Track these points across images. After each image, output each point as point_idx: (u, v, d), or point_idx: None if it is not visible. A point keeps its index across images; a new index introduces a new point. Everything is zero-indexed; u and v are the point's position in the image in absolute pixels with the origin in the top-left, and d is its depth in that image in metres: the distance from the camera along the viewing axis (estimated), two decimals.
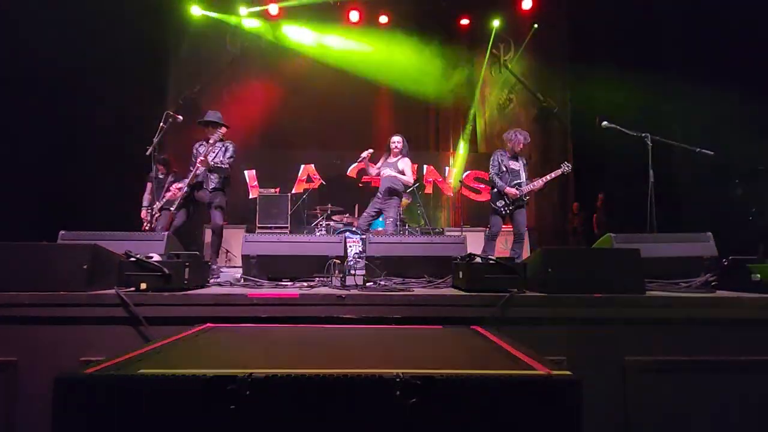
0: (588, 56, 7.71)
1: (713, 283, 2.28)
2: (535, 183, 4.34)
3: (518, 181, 4.33)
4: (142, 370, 1.03)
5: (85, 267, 1.89)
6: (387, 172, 4.57)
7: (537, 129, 8.55)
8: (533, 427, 0.98)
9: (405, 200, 6.36)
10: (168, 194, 4.72)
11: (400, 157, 4.65)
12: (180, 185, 4.21)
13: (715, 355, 1.90)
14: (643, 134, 3.38)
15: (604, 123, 3.68)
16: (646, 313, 1.93)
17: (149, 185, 5.03)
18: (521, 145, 4.40)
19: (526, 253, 6.04)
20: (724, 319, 1.94)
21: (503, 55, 8.64)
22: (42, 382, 1.68)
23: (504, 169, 4.36)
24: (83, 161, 5.70)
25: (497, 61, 8.67)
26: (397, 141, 4.67)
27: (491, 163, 4.44)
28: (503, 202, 4.32)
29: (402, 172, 4.56)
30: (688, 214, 5.60)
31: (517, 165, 4.40)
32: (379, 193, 4.71)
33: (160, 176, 4.97)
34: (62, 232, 2.61)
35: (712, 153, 3.21)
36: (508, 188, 4.28)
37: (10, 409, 1.72)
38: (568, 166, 4.42)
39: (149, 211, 4.81)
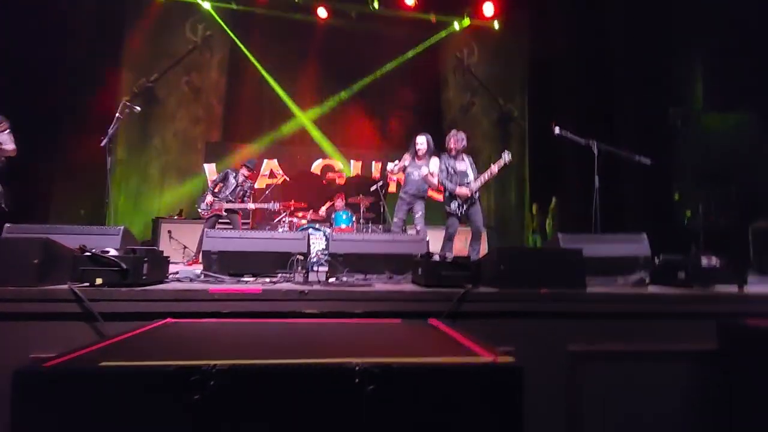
0: (546, 63, 8.09)
1: (647, 280, 2.51)
2: (482, 177, 4.50)
3: (467, 180, 4.49)
4: (103, 363, 1.04)
5: (36, 261, 1.82)
6: (417, 173, 4.61)
7: (497, 133, 8.88)
8: (480, 407, 1.08)
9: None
10: None
11: (426, 158, 4.67)
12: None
13: (647, 345, 2.10)
14: (591, 141, 3.62)
15: (556, 129, 3.91)
16: (587, 307, 2.10)
17: None
18: (453, 146, 4.57)
19: (484, 249, 6.28)
20: (655, 312, 2.15)
21: (467, 59, 8.88)
22: None
23: (452, 171, 4.51)
24: (33, 151, 5.35)
25: (460, 64, 8.90)
26: (420, 143, 4.68)
27: (439, 168, 4.57)
28: (457, 203, 4.46)
29: (432, 174, 4.61)
30: (630, 217, 6.02)
31: (463, 165, 4.56)
32: (404, 194, 4.74)
33: None
34: (7, 225, 2.49)
35: (649, 161, 3.51)
36: (458, 189, 4.42)
37: None
38: (508, 155, 4.54)
39: None
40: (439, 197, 4.78)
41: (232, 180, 5.44)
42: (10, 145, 3.70)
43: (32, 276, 1.82)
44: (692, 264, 2.30)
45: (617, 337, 2.10)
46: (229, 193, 5.39)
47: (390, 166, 5.00)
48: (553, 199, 7.80)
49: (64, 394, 0.97)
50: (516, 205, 8.75)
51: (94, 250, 1.95)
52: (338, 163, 8.63)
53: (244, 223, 6.65)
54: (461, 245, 5.82)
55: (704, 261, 2.31)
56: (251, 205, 5.52)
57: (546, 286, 2.12)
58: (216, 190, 5.39)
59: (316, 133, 8.48)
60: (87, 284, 1.90)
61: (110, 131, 3.54)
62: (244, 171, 5.55)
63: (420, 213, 4.66)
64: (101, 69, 6.81)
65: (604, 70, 6.56)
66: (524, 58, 8.73)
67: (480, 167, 4.70)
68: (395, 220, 4.79)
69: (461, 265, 2.16)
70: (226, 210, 5.35)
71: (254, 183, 5.79)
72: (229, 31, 8.03)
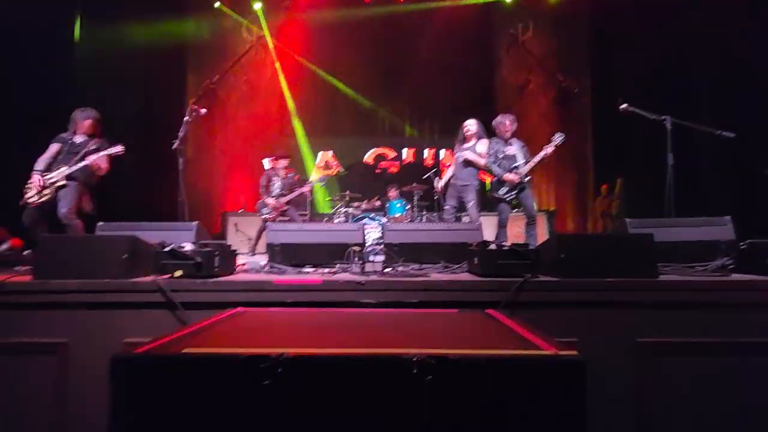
0: (610, 35, 7.49)
1: (730, 267, 2.29)
2: (532, 162, 4.32)
3: (515, 164, 4.32)
4: (185, 350, 1.16)
5: (125, 256, 2.04)
6: (463, 156, 4.57)
7: (556, 111, 8.42)
8: (540, 403, 1.06)
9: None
10: (83, 163, 3.68)
11: (475, 141, 4.62)
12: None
13: (728, 338, 1.93)
14: (663, 117, 3.32)
15: (623, 105, 3.63)
16: (658, 296, 1.97)
17: (55, 146, 3.78)
18: (508, 129, 4.39)
19: (542, 235, 6.04)
20: (738, 302, 1.97)
21: (521, 35, 8.47)
22: (91, 361, 1.86)
23: (500, 155, 4.36)
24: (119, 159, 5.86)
25: (515, 41, 8.50)
26: (470, 124, 4.66)
27: (487, 152, 4.42)
28: (505, 189, 4.31)
29: (481, 156, 4.54)
30: (708, 197, 5.47)
31: (512, 149, 4.39)
32: (454, 180, 4.71)
33: (78, 140, 3.82)
34: (100, 223, 2.78)
35: (733, 135, 3.15)
36: (506, 175, 4.27)
37: (64, 386, 1.90)
38: (560, 136, 4.33)
39: (43, 178, 3.60)
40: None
41: (275, 179, 5.68)
42: (105, 165, 3.81)
43: (121, 269, 2.04)
44: None
45: (694, 329, 1.95)
46: (282, 190, 5.66)
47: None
48: (619, 180, 7.30)
49: (152, 378, 1.09)
50: (578, 188, 8.29)
51: (172, 245, 2.14)
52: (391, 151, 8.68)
53: (302, 214, 6.93)
54: (518, 231, 5.64)
55: None
56: (306, 188, 5.84)
57: (612, 274, 2.01)
58: (269, 192, 5.66)
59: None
60: (168, 276, 2.09)
61: (180, 134, 3.81)
62: (283, 163, 5.78)
63: (472, 202, 4.54)
64: (170, 75, 7.33)
65: (677, 35, 5.94)
66: (585, 29, 8.15)
67: (537, 149, 4.49)
68: (446, 207, 4.74)
69: (519, 253, 2.11)
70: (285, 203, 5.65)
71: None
72: (268, 36, 8.35)
